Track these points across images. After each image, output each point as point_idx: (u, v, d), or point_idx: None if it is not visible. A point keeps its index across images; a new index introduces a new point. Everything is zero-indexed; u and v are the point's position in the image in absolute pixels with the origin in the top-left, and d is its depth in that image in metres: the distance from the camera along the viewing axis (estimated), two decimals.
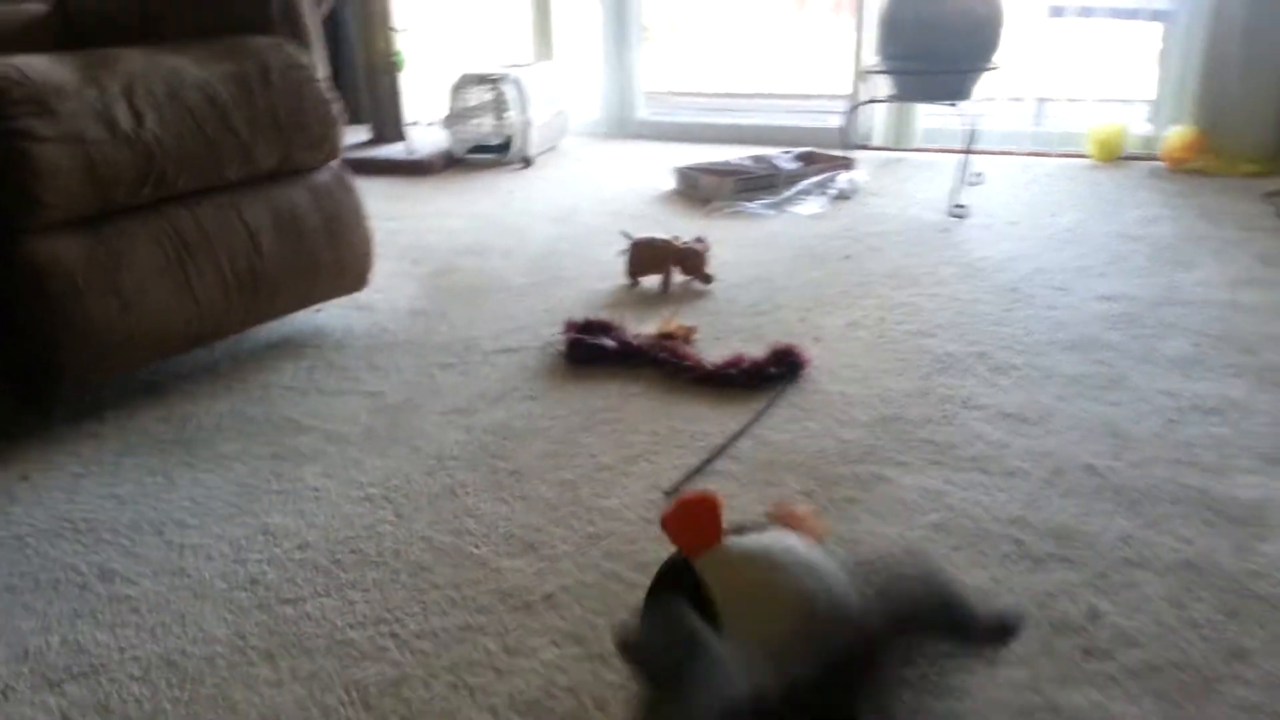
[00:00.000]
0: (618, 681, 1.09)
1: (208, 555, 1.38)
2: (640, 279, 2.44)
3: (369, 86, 4.22)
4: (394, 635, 1.20)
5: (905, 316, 2.14)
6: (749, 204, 3.12)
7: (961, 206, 2.99)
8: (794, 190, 3.21)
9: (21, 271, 1.64)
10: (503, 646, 1.17)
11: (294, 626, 1.22)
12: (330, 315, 2.30)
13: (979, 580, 1.23)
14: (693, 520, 0.93)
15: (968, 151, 3.12)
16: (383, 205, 3.31)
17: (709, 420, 1.71)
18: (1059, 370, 1.82)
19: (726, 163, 3.44)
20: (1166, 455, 1.50)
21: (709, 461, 1.56)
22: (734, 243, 2.75)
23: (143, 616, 1.25)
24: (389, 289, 2.48)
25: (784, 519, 1.02)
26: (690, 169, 3.38)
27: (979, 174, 3.38)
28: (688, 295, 2.36)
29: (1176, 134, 3.43)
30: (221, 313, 1.91)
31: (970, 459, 1.52)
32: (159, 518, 1.47)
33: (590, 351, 1.97)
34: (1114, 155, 3.59)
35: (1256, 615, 1.13)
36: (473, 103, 3.90)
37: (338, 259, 2.13)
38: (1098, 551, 1.27)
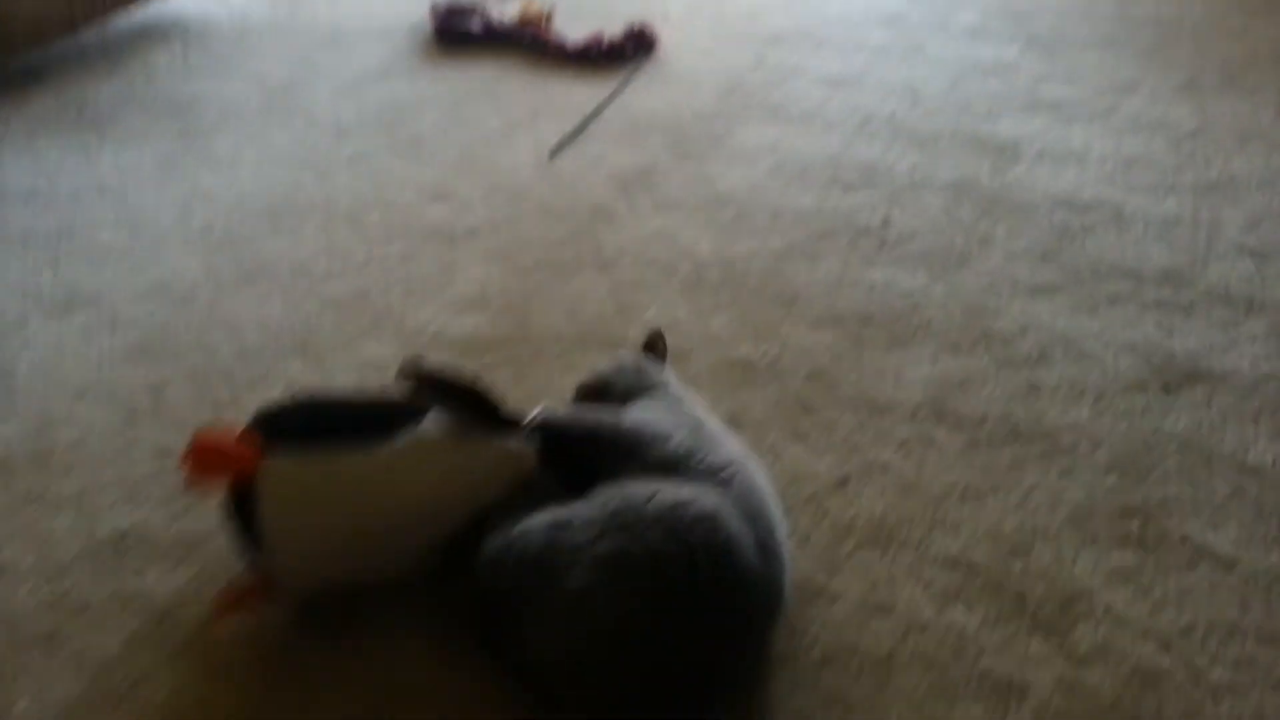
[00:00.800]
0: (536, 285, 1.41)
1: (155, 212, 1.56)
2: None
3: None
4: (345, 262, 1.46)
5: None
6: None
7: None
8: None
9: None
10: (439, 266, 1.45)
11: (257, 259, 1.46)
12: (184, 4, 2.31)
13: (806, 203, 1.59)
14: (213, 453, 0.87)
15: None
16: None
17: (577, 93, 1.95)
18: (869, 42, 2.15)
19: None
20: (950, 107, 1.87)
21: (583, 127, 1.82)
22: None
23: (116, 259, 1.45)
24: None
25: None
26: None
27: None
28: None
29: None
30: None
31: (799, 115, 1.85)
32: (94, 185, 1.63)
33: (459, 34, 2.13)
34: None
35: (1002, 215, 1.55)
36: None
37: None
38: (892, 178, 1.65)
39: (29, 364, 1.26)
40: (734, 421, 1.11)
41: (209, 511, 0.99)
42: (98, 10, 1.99)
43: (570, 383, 1.10)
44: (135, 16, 2.21)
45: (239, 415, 1.15)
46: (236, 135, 1.78)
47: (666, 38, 2.15)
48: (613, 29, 2.11)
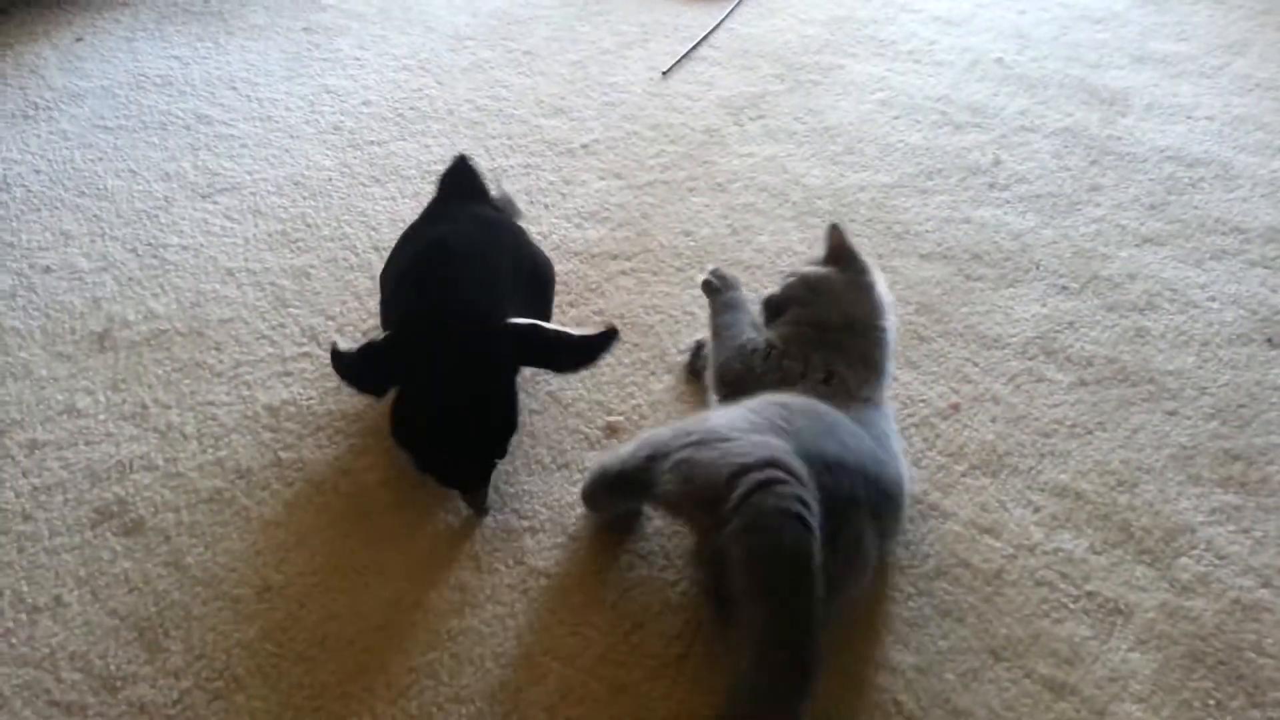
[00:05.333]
0: (653, 202, 1.46)
1: (285, 107, 1.62)
2: None
3: None
4: None
5: None
6: None
7: None
8: None
9: None
10: (560, 178, 1.50)
11: (386, 160, 1.51)
12: None
13: (916, 140, 1.61)
14: None
15: None
16: None
17: (687, 15, 1.96)
18: None
19: None
20: (1059, 54, 1.87)
21: (695, 47, 1.84)
22: None
23: (253, 150, 1.52)
24: None
25: None
26: None
27: None
28: None
29: None
30: None
31: (908, 52, 1.86)
32: (225, 75, 1.68)
33: None
34: None
35: (1111, 164, 1.57)
36: None
37: None
38: (1002, 120, 1.66)
39: (178, 243, 1.33)
40: None
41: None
42: None
43: (689, 298, 1.15)
44: None
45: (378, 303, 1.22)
46: (359, 36, 1.82)
47: None
48: None
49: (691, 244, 1.37)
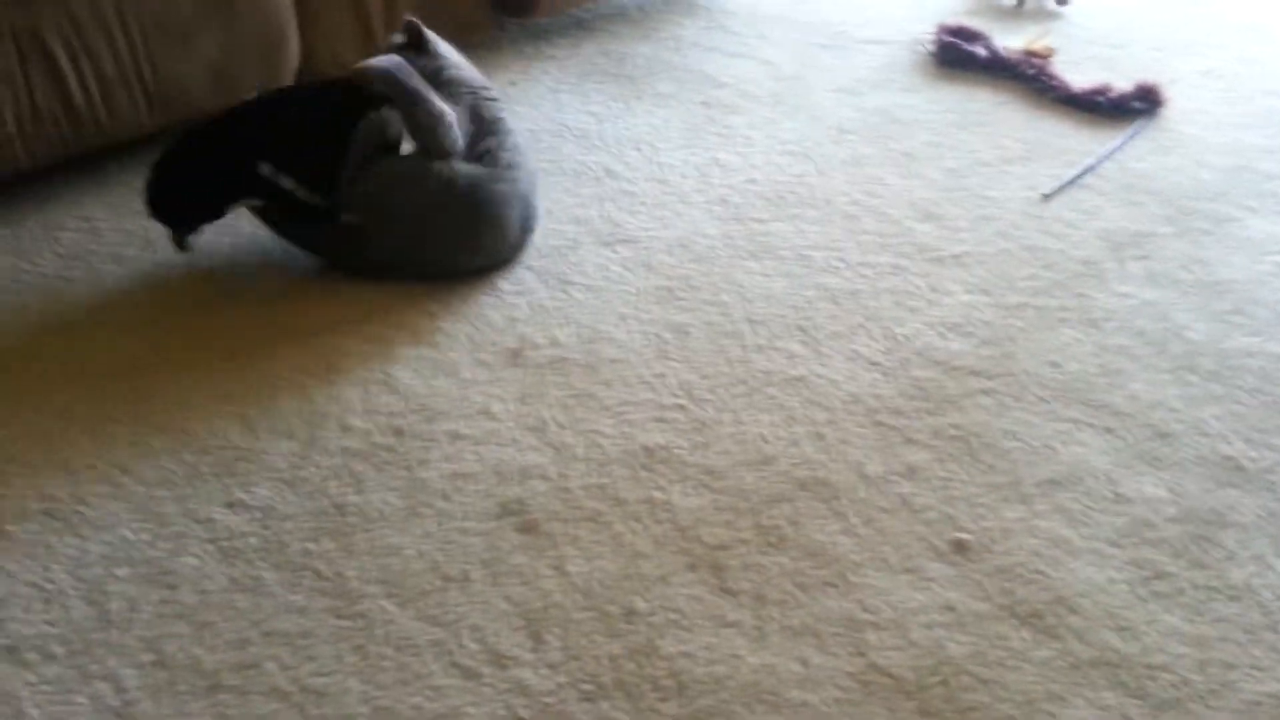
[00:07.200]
0: (1021, 326, 1.47)
1: (680, 173, 1.78)
2: None
3: None
4: (841, 260, 1.59)
5: (1260, 73, 2.25)
6: None
7: None
8: None
9: None
10: (927, 285, 1.54)
11: (764, 238, 1.63)
12: None
13: None
14: None
15: None
16: None
17: (1074, 139, 1.95)
18: None
19: None
20: None
21: (1081, 174, 1.83)
22: None
23: (649, 209, 1.68)
24: None
25: None
26: None
27: None
28: (1040, 14, 2.49)
29: None
30: None
31: None
32: (632, 136, 1.87)
33: (962, 56, 2.19)
34: None
35: None
36: None
37: None
38: None
39: (582, 282, 1.50)
40: (1214, 520, 1.14)
41: (729, 447, 1.16)
42: None
43: (1051, 431, 1.16)
44: None
45: (747, 372, 1.33)
46: (750, 117, 1.96)
47: (1173, 101, 2.08)
48: (1116, 81, 2.08)
49: (1058, 376, 1.37)
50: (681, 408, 1.28)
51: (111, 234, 1.59)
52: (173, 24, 1.58)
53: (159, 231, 1.50)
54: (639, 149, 1.83)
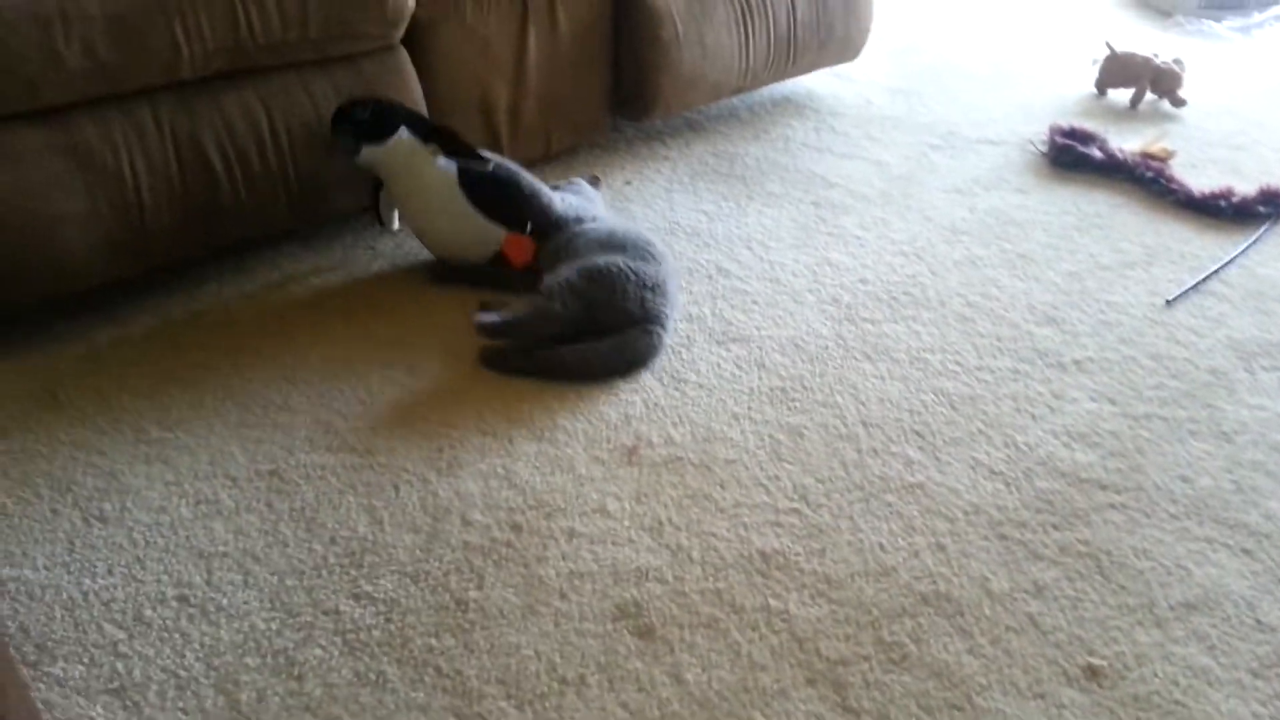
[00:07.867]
0: (1149, 437, 1.42)
1: (792, 272, 1.79)
2: (1108, 91, 2.54)
3: None
4: (958, 363, 1.57)
5: None
6: (1215, 22, 3.05)
7: None
8: (1267, 13, 3.09)
9: (641, 15, 2.02)
10: (1049, 391, 1.51)
11: (877, 340, 1.62)
12: (815, 82, 2.59)
13: None
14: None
15: None
16: None
17: (1197, 243, 1.91)
18: None
19: None
20: None
21: (1206, 279, 1.78)
22: (1200, 65, 2.75)
23: (761, 308, 1.69)
24: (860, 63, 2.72)
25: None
26: None
27: None
28: (1156, 116, 2.46)
29: None
30: (760, 68, 2.25)
31: None
32: (743, 235, 1.90)
33: (1077, 158, 2.17)
34: None
35: None
36: None
37: (848, 29, 2.39)
38: None
39: (695, 380, 1.52)
40: None
41: (847, 555, 1.14)
42: (755, 81, 2.30)
43: (1184, 551, 1.11)
44: (777, 89, 2.52)
45: (864, 477, 1.31)
46: (861, 217, 1.97)
47: None
48: (1238, 184, 2.03)
49: (1189, 492, 1.31)
50: (797, 511, 1.27)
51: (248, 323, 1.68)
52: (318, 131, 1.68)
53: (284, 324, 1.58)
54: (750, 248, 1.86)
